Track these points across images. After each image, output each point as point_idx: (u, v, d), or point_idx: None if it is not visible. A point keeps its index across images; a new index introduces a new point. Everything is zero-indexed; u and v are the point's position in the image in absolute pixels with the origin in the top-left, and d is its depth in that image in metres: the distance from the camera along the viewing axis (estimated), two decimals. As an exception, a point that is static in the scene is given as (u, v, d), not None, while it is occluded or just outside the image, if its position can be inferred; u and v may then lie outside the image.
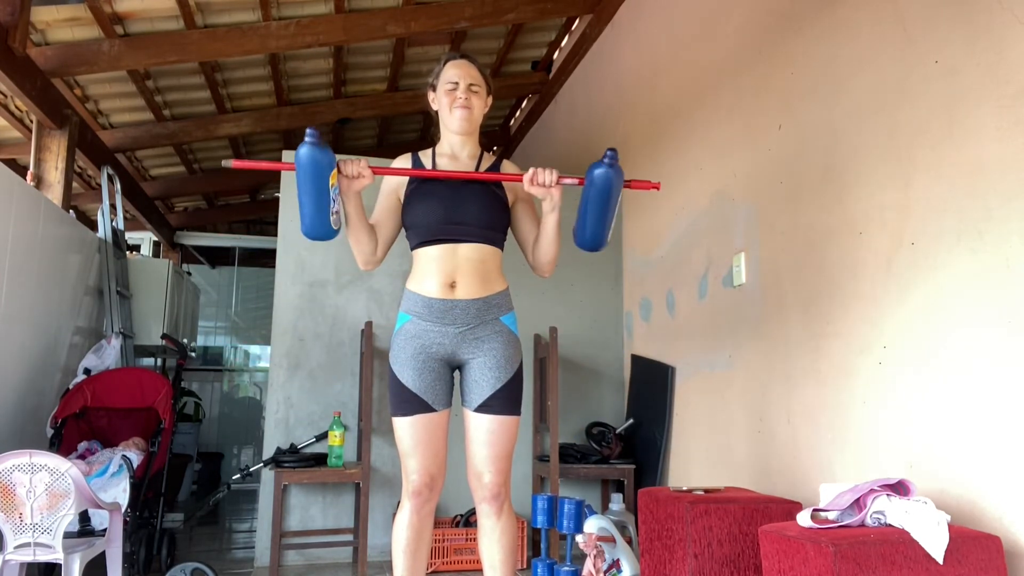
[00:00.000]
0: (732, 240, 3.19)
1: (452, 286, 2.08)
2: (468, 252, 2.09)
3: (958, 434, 2.04)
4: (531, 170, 2.06)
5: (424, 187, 2.13)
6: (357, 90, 5.71)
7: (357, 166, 2.00)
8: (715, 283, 3.31)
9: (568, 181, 2.09)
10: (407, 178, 2.17)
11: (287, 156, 4.02)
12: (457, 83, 2.16)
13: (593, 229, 2.09)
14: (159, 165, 6.43)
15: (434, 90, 2.23)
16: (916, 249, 2.21)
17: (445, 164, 2.18)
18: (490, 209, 2.12)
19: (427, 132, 6.84)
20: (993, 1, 2.00)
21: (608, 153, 2.01)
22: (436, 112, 2.25)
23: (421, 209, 2.11)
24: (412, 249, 2.16)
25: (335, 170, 1.96)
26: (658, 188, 2.16)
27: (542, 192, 2.06)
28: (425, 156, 2.22)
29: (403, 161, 2.23)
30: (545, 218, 2.13)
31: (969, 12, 2.07)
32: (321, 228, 2.00)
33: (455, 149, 2.21)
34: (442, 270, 2.08)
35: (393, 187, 2.19)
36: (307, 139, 1.92)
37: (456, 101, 2.16)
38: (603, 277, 4.34)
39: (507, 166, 2.23)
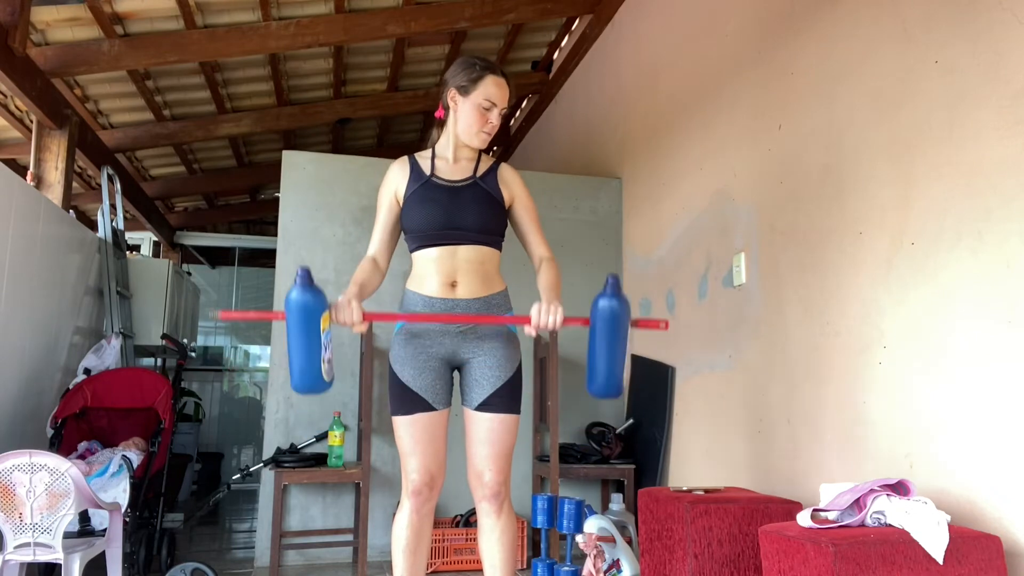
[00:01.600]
0: (732, 240, 3.19)
1: (453, 286, 2.09)
2: (467, 253, 2.10)
3: (958, 434, 2.04)
4: (536, 312, 1.91)
5: (423, 191, 2.13)
6: (357, 90, 5.71)
7: (350, 315, 1.88)
8: (715, 283, 3.31)
9: (573, 324, 1.95)
10: (406, 180, 2.16)
11: (287, 156, 4.03)
12: (494, 105, 2.12)
13: (606, 371, 1.90)
14: (159, 165, 6.43)
15: (462, 93, 2.12)
16: (916, 249, 2.21)
17: (443, 168, 2.17)
18: (488, 212, 2.12)
19: (427, 132, 6.84)
20: (993, 1, 2.00)
21: (609, 281, 1.87)
22: (449, 109, 2.17)
23: (421, 214, 2.10)
24: (412, 251, 2.16)
25: (327, 313, 1.83)
26: (666, 328, 1.97)
27: (546, 333, 1.99)
28: (423, 159, 2.21)
29: (400, 165, 2.21)
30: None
31: (969, 12, 2.07)
32: (311, 380, 1.83)
33: (456, 152, 2.19)
34: (442, 271, 2.08)
35: (393, 190, 2.19)
36: (297, 281, 1.80)
37: (486, 126, 2.13)
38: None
39: (504, 170, 2.22)
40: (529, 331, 1.92)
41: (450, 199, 2.11)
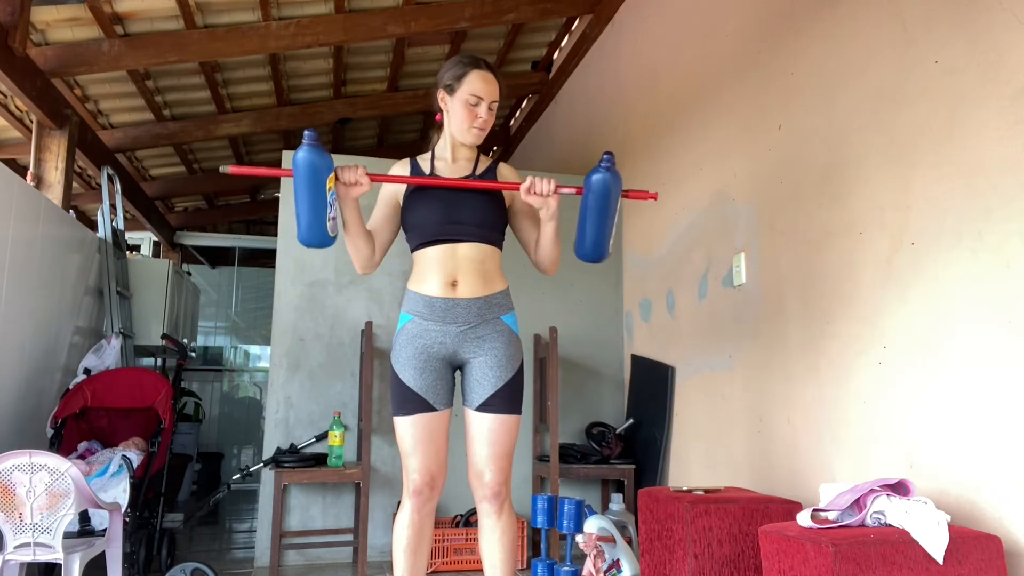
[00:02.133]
0: (732, 240, 3.19)
1: (454, 285, 2.09)
2: (468, 252, 2.10)
3: (958, 434, 2.04)
4: (528, 179, 2.03)
5: (423, 190, 2.14)
6: (357, 90, 5.71)
7: (355, 173, 1.99)
8: (715, 283, 3.31)
9: (566, 190, 2.04)
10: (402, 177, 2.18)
11: (287, 156, 4.03)
12: (481, 99, 2.11)
13: (594, 238, 2.04)
14: (159, 165, 6.43)
15: (449, 92, 2.13)
16: (916, 249, 2.21)
17: (442, 168, 2.18)
18: (487, 209, 2.12)
19: (427, 132, 6.84)
20: (993, 1, 2.00)
21: (605, 157, 1.97)
22: (441, 112, 2.20)
23: (420, 211, 2.11)
24: (413, 251, 2.16)
25: (332, 175, 1.94)
26: (655, 198, 2.10)
27: (539, 202, 2.02)
28: (423, 161, 2.23)
29: (401, 167, 2.22)
30: (544, 226, 2.11)
31: (969, 12, 2.07)
32: (318, 234, 1.97)
33: (454, 152, 2.20)
34: (443, 270, 2.09)
35: (392, 192, 2.21)
36: (305, 141, 1.90)
37: (476, 121, 2.12)
38: (603, 277, 4.34)
39: (503, 169, 2.23)
40: (523, 195, 2.02)
41: (449, 196, 2.11)
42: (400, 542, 2.09)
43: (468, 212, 2.10)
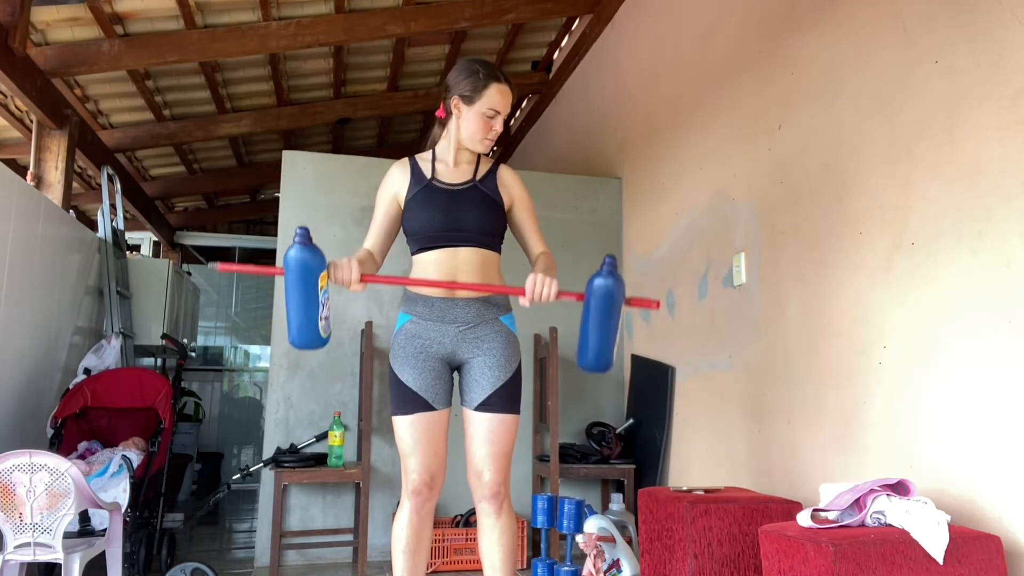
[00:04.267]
0: (732, 240, 3.19)
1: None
2: (467, 255, 2.10)
3: (958, 434, 2.04)
4: (531, 282, 1.92)
5: (424, 194, 2.13)
6: (357, 90, 5.71)
7: (348, 273, 1.89)
8: (715, 283, 3.31)
9: (567, 296, 1.96)
10: (407, 183, 2.17)
11: (287, 156, 4.03)
12: (497, 113, 2.12)
13: (597, 347, 1.90)
14: (159, 165, 6.43)
15: (466, 102, 2.11)
16: (916, 249, 2.21)
17: (443, 172, 2.17)
18: (488, 215, 2.13)
19: (427, 132, 6.83)
20: (993, 1, 2.00)
21: (607, 261, 1.88)
22: (450, 115, 2.17)
23: (422, 217, 2.11)
24: (413, 254, 2.16)
25: (325, 272, 1.85)
26: (657, 307, 2.00)
27: (539, 303, 1.94)
28: (423, 162, 2.21)
29: (401, 167, 2.21)
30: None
31: (969, 12, 2.07)
32: (309, 336, 1.85)
33: (456, 156, 2.19)
34: (443, 271, 2.09)
35: (392, 193, 2.19)
36: (296, 239, 1.80)
37: (490, 133, 2.13)
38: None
39: (504, 173, 2.22)
40: (523, 302, 1.92)
41: (450, 202, 2.11)
42: (399, 542, 2.08)
43: (470, 219, 2.10)
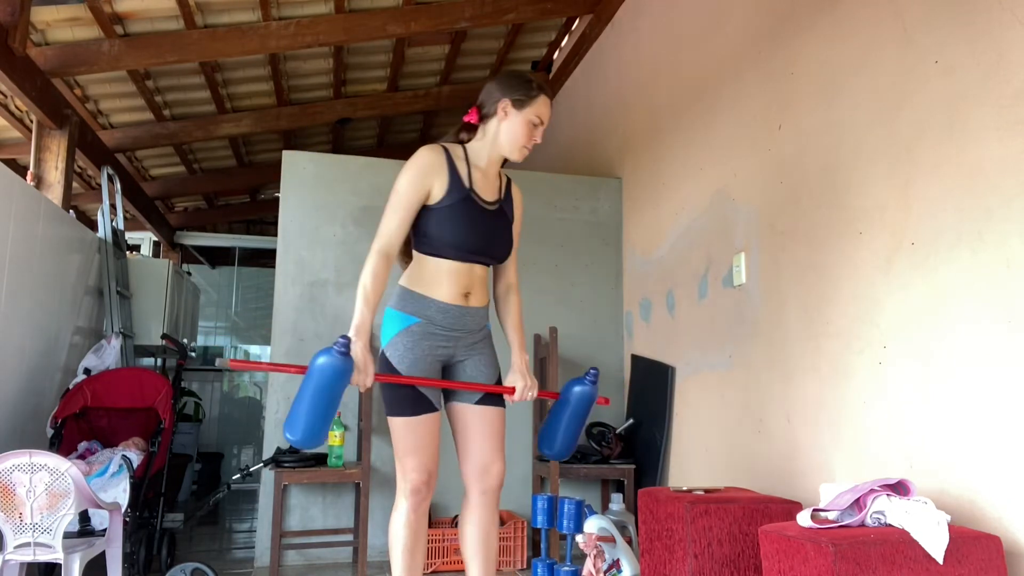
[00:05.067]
0: (732, 240, 3.19)
1: (467, 296, 2.12)
2: (481, 273, 2.17)
3: (958, 434, 2.04)
4: (521, 387, 2.15)
5: (463, 208, 2.08)
6: (357, 90, 5.71)
7: (365, 379, 1.91)
8: (715, 283, 3.31)
9: (545, 396, 2.25)
10: (444, 184, 2.07)
11: (287, 156, 4.03)
12: (541, 123, 2.16)
13: (567, 443, 2.18)
14: (159, 165, 6.43)
15: (516, 106, 2.11)
16: (916, 249, 2.21)
17: (479, 182, 2.14)
18: (510, 241, 2.21)
19: (427, 132, 6.84)
20: (993, 1, 2.00)
21: (592, 372, 2.14)
22: (489, 117, 2.15)
23: (459, 232, 2.07)
24: (422, 254, 2.12)
25: None
26: (608, 403, 2.32)
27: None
28: (459, 161, 2.13)
29: (437, 160, 2.09)
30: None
31: (969, 12, 2.07)
32: (317, 438, 1.84)
33: (489, 168, 2.18)
34: (459, 282, 2.10)
35: (427, 186, 2.07)
36: (338, 348, 1.78)
37: (531, 142, 2.16)
38: (603, 277, 4.34)
39: (516, 191, 2.28)
40: (512, 399, 2.15)
41: (488, 225, 2.12)
42: (399, 542, 2.09)
43: (499, 245, 2.16)
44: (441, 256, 2.09)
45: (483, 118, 2.17)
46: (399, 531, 2.08)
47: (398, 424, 2.09)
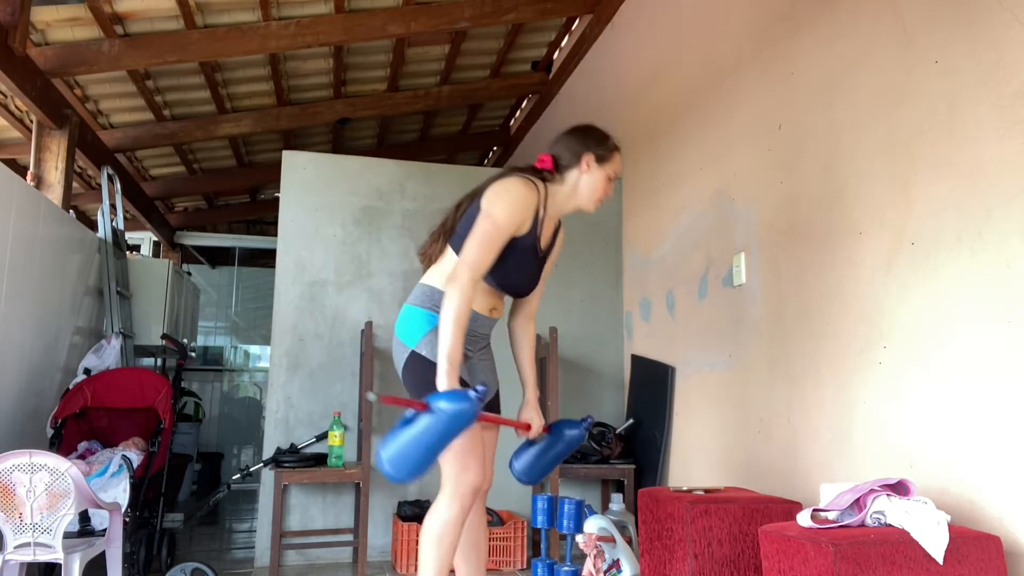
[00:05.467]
0: (732, 240, 3.19)
1: (492, 310, 2.20)
2: (501, 299, 2.25)
3: (958, 434, 2.04)
4: (537, 425, 2.24)
5: (528, 255, 2.15)
6: (357, 90, 5.71)
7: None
8: (715, 283, 3.31)
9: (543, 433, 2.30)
10: (530, 220, 2.09)
11: (287, 156, 4.04)
12: (615, 177, 2.23)
13: (543, 474, 2.26)
14: (159, 165, 6.43)
15: (598, 161, 2.17)
16: (916, 249, 2.21)
17: (545, 227, 2.20)
18: (538, 283, 2.27)
19: (427, 132, 6.84)
20: (993, 1, 2.00)
21: (588, 420, 2.26)
22: (563, 169, 2.17)
23: (513, 275, 2.15)
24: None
25: None
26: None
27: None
28: (540, 203, 2.15)
29: (532, 202, 2.09)
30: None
31: (969, 12, 2.07)
32: (418, 475, 1.84)
33: (555, 216, 2.23)
34: (490, 301, 2.19)
35: (519, 222, 2.07)
36: (476, 395, 1.79)
37: (605, 195, 2.22)
38: (603, 277, 4.34)
39: (562, 233, 2.33)
40: (530, 435, 2.23)
41: (533, 271, 2.19)
42: (446, 542, 2.03)
43: (529, 287, 2.23)
44: (491, 284, 2.15)
45: (560, 168, 2.19)
46: (452, 531, 2.03)
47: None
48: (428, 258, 2.20)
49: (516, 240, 2.08)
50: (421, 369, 2.04)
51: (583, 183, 2.18)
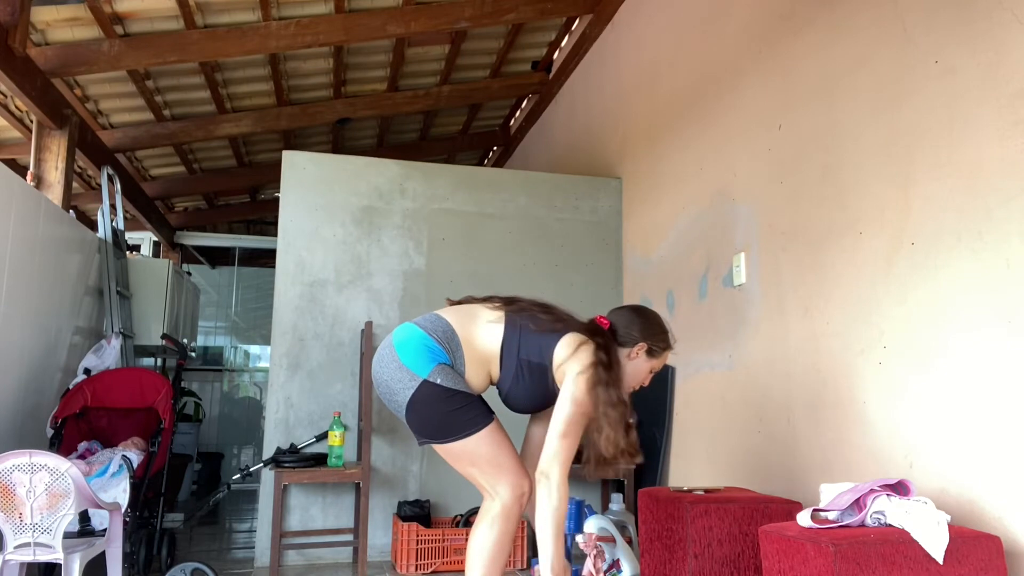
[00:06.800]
0: (732, 240, 3.19)
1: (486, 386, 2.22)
2: None
3: (958, 434, 2.04)
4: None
5: (542, 388, 2.19)
6: (357, 90, 5.71)
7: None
8: (715, 283, 3.31)
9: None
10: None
11: (287, 156, 4.04)
12: (656, 371, 2.28)
13: None
14: (159, 165, 6.43)
15: (649, 354, 2.22)
16: (916, 249, 2.21)
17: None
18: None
19: (427, 132, 6.84)
20: (993, 1, 2.00)
21: (589, 512, 2.37)
22: (621, 348, 2.20)
23: (523, 397, 2.18)
24: (485, 372, 2.17)
25: None
26: None
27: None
28: None
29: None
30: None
31: (969, 12, 2.07)
32: None
33: None
34: (486, 385, 2.20)
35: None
36: None
37: (641, 386, 2.28)
38: (603, 277, 4.33)
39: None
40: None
41: (539, 404, 2.24)
42: (500, 545, 2.08)
43: (526, 413, 2.29)
44: (490, 385, 2.19)
45: (615, 340, 2.20)
46: (507, 536, 2.07)
47: (484, 436, 2.06)
48: (466, 302, 2.24)
49: (547, 371, 2.12)
50: (438, 398, 2.03)
51: (628, 367, 2.20)
